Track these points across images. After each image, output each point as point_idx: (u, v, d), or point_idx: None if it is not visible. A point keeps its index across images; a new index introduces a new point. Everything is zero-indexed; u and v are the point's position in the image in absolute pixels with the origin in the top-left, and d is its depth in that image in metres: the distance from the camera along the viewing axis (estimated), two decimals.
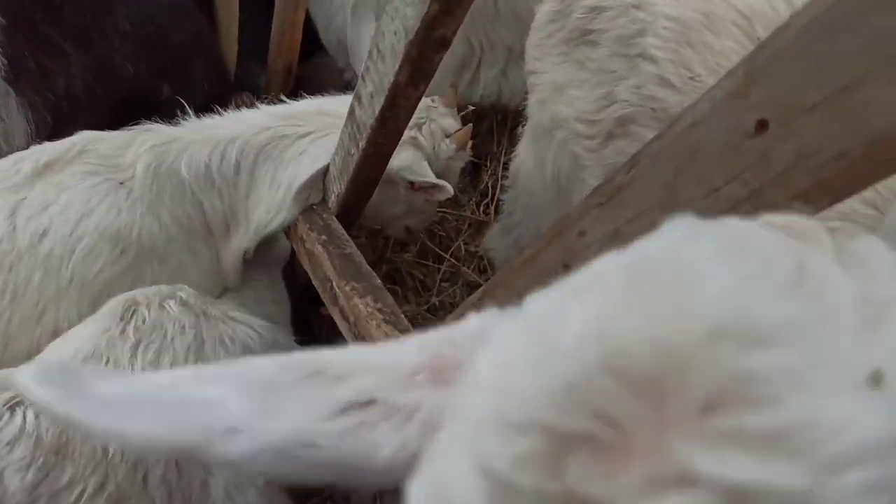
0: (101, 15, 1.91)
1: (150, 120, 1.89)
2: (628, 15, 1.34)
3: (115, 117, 1.93)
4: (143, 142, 1.67)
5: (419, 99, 1.33)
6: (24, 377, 0.50)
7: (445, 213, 2.82)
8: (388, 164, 1.60)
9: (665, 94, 1.29)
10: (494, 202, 2.89)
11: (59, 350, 1.37)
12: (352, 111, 1.52)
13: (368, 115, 1.42)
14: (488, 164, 3.02)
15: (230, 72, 2.35)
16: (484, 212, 2.87)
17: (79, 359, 1.33)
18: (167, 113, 2.04)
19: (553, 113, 1.61)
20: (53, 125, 1.85)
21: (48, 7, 1.82)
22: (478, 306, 1.26)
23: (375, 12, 1.82)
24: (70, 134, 1.87)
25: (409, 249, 2.66)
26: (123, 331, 1.43)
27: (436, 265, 2.68)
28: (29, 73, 1.77)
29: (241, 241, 1.80)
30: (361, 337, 1.51)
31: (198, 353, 1.48)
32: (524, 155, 1.93)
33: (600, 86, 1.43)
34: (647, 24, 1.32)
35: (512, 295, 1.04)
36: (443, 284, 2.53)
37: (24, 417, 1.20)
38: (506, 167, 3.04)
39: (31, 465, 1.17)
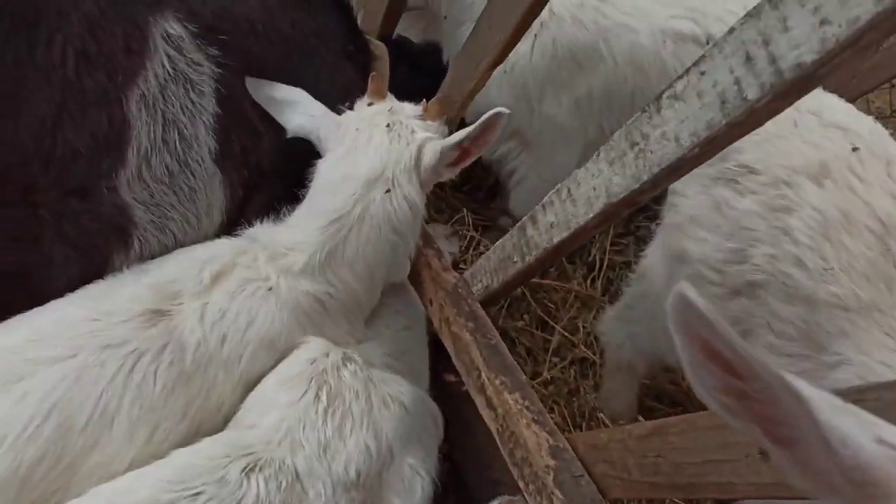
0: None
1: None
2: (778, 189, 1.46)
3: (290, 186, 2.15)
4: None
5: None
6: None
7: (554, 284, 2.97)
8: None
9: (800, 275, 1.40)
10: (601, 278, 3.02)
11: (262, 422, 1.58)
12: (523, 227, 1.69)
13: (543, 239, 1.59)
14: (596, 238, 3.15)
15: None
16: (591, 285, 3.00)
17: (282, 431, 1.54)
18: None
19: (682, 245, 1.73)
20: (243, 196, 2.06)
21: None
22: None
23: None
24: (254, 203, 2.10)
25: (522, 318, 2.81)
26: (317, 397, 1.64)
27: (541, 333, 2.83)
28: (233, 154, 1.97)
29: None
30: (509, 430, 1.66)
31: (369, 417, 1.67)
32: (653, 260, 2.05)
33: (734, 239, 1.54)
34: (794, 204, 1.44)
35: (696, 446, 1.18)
36: (553, 359, 2.66)
37: (258, 485, 1.41)
38: (613, 243, 3.18)
39: None
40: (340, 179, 1.81)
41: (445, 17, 2.63)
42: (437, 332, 2.11)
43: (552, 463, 1.53)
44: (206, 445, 1.55)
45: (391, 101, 1.99)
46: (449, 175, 1.91)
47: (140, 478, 1.42)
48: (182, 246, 1.99)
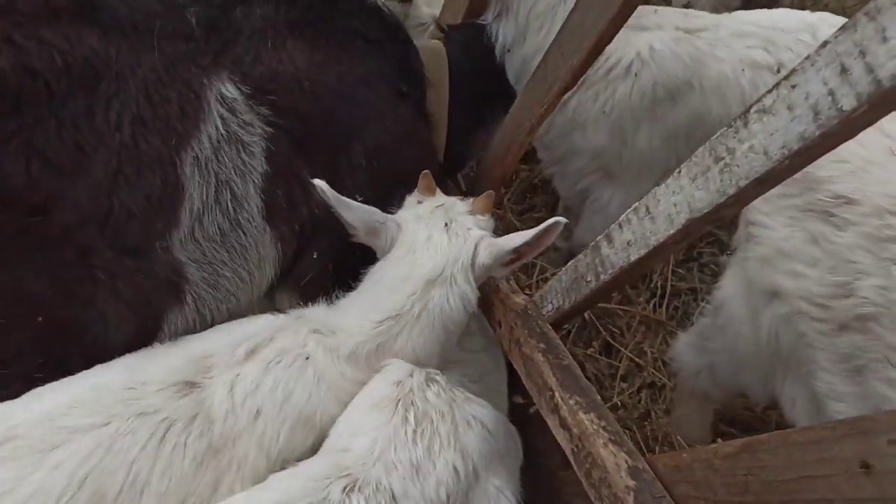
0: (341, 152, 2.12)
1: None
2: (882, 219, 1.43)
3: (344, 237, 2.14)
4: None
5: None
6: None
7: (618, 309, 2.95)
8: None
9: None
10: (665, 304, 3.00)
11: (355, 443, 1.61)
12: (597, 247, 1.70)
13: (620, 257, 1.59)
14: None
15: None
16: (655, 311, 2.98)
17: (376, 452, 1.57)
18: None
19: (774, 281, 1.70)
20: (297, 248, 2.11)
21: (302, 150, 2.04)
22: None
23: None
24: (309, 254, 2.15)
25: (588, 344, 2.80)
26: (405, 419, 1.66)
27: (607, 359, 2.81)
28: (281, 210, 2.02)
29: None
30: (585, 450, 1.65)
31: (455, 437, 1.67)
32: (731, 292, 2.01)
33: (837, 273, 1.51)
34: None
35: (790, 463, 1.16)
36: (621, 384, 2.64)
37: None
38: (674, 271, 3.15)
39: None
40: (401, 279, 1.83)
41: (509, 51, 2.69)
42: (506, 354, 2.12)
43: (632, 483, 1.52)
44: (305, 468, 1.59)
45: (440, 196, 2.05)
46: (502, 274, 1.97)
47: (248, 500, 1.46)
48: (237, 299, 2.04)
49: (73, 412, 1.46)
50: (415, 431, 1.64)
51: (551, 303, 1.99)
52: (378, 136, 2.19)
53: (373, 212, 1.92)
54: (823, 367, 1.54)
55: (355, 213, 1.92)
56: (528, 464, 2.23)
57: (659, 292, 3.05)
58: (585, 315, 2.85)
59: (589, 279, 1.76)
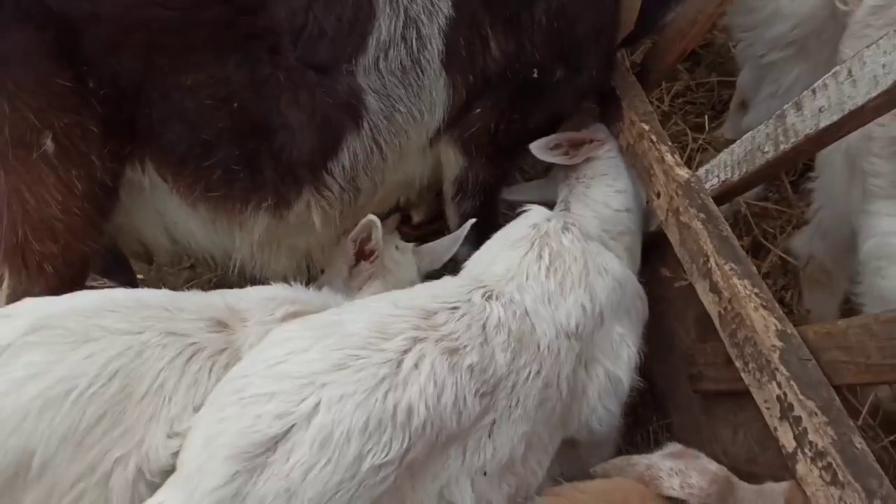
0: (524, 8, 2.15)
1: (539, 102, 2.25)
2: None
3: (512, 95, 2.25)
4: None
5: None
6: None
7: (775, 208, 2.89)
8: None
9: None
10: None
11: (491, 269, 1.78)
12: (783, 115, 1.68)
13: (807, 125, 1.58)
14: None
15: (615, 64, 2.53)
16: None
17: (509, 275, 1.73)
18: (553, 93, 2.32)
19: None
20: (466, 99, 2.19)
21: (488, 2, 2.10)
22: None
23: None
24: (472, 110, 2.24)
25: (740, 239, 2.77)
26: (539, 256, 1.80)
27: (753, 259, 2.78)
28: (459, 57, 2.09)
29: None
30: (734, 311, 1.71)
31: (586, 280, 1.82)
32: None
33: None
34: None
35: None
36: (767, 281, 2.63)
37: (498, 309, 1.61)
38: None
39: (508, 348, 1.57)
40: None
41: None
42: (661, 224, 2.16)
43: (779, 344, 1.57)
44: (444, 282, 1.78)
45: None
46: None
47: (409, 293, 1.67)
48: (408, 137, 2.19)
49: (109, 315, 1.53)
50: (548, 268, 1.78)
51: (717, 176, 2.00)
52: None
53: None
54: (875, 152, 1.87)
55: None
56: (660, 337, 2.32)
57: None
58: (742, 207, 2.82)
59: (766, 149, 1.75)
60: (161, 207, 2.13)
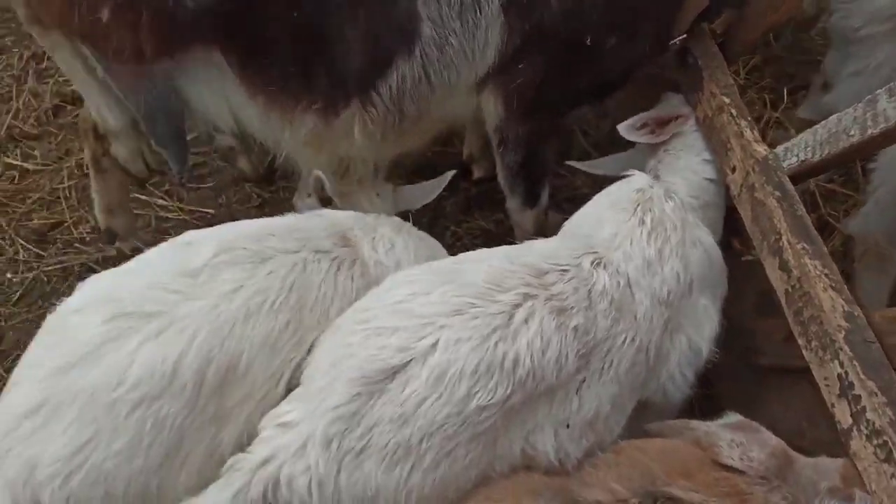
0: None
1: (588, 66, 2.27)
2: None
3: (562, 54, 2.26)
4: None
5: None
6: None
7: (843, 191, 2.88)
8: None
9: None
10: None
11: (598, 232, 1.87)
12: (874, 100, 1.69)
13: None
14: None
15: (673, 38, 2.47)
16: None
17: (616, 242, 1.83)
18: (603, 59, 2.32)
19: None
20: (518, 47, 2.20)
21: None
22: None
23: None
24: (520, 61, 2.27)
25: None
26: (642, 221, 1.89)
27: None
28: (519, 4, 2.11)
29: None
30: (802, 290, 1.75)
31: (682, 249, 1.90)
32: None
33: None
34: None
35: None
36: None
37: (604, 277, 1.69)
38: None
39: (609, 315, 1.68)
40: None
41: None
42: (734, 199, 2.19)
43: (845, 324, 1.61)
44: (555, 242, 1.88)
45: None
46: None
47: (521, 250, 1.79)
48: (458, 74, 2.24)
49: (271, 239, 1.75)
50: (650, 233, 1.85)
51: (797, 156, 2.01)
52: None
53: None
54: None
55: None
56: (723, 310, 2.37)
57: None
58: (811, 186, 2.81)
59: (852, 133, 1.76)
60: (228, 92, 2.29)
